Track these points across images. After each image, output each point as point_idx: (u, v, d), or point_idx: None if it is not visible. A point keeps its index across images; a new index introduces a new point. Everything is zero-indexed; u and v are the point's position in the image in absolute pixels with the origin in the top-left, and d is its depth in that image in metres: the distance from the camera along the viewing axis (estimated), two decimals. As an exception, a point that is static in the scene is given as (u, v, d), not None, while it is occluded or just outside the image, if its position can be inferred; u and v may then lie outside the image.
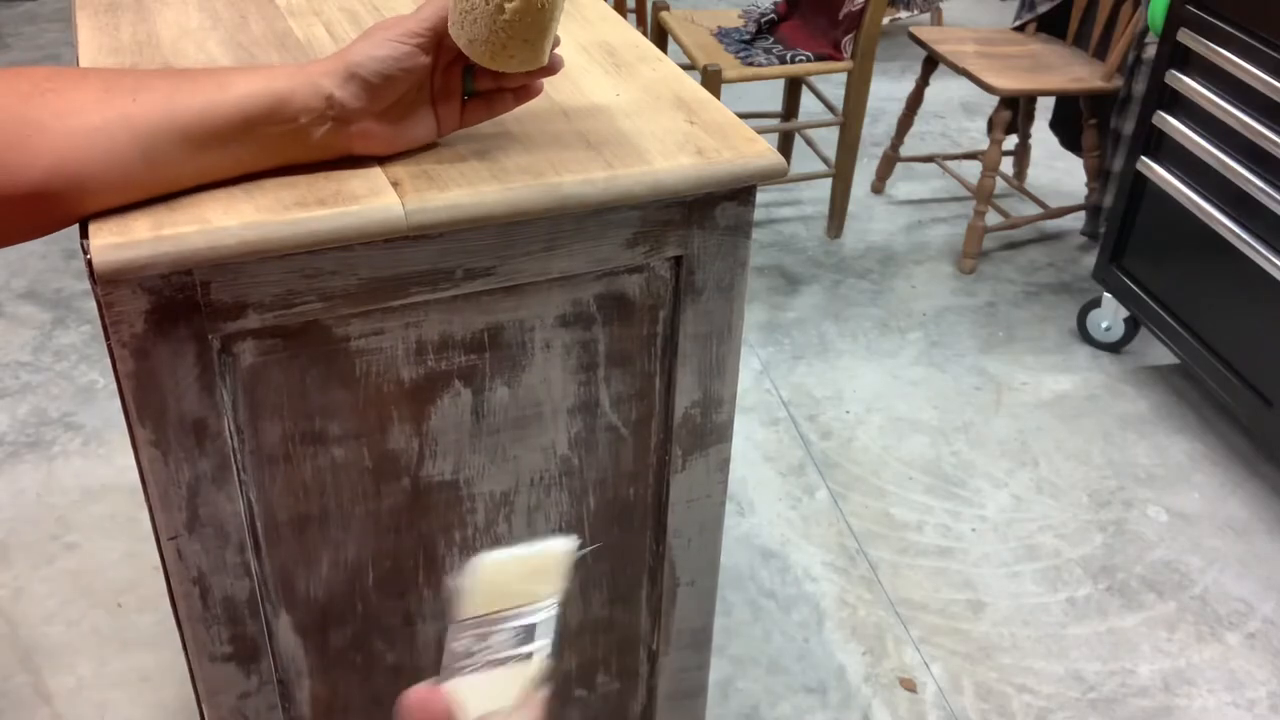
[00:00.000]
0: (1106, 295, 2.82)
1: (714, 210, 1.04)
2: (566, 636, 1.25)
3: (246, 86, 0.86)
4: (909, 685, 2.01)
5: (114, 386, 2.57)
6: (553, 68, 0.95)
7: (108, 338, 0.87)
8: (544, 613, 0.67)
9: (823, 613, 2.15)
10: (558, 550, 0.68)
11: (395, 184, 0.93)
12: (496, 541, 1.14)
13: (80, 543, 2.22)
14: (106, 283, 0.84)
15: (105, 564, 2.17)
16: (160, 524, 0.96)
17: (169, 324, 0.87)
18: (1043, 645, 2.10)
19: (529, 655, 0.66)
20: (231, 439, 0.95)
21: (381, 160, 0.95)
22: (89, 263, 0.82)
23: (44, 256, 3.09)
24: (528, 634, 0.67)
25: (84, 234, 0.84)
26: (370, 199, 0.91)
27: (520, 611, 0.67)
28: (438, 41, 0.91)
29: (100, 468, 2.40)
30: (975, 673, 2.04)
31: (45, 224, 0.85)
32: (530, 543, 0.67)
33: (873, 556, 2.27)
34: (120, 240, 0.83)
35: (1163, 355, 2.87)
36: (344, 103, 0.89)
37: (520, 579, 0.67)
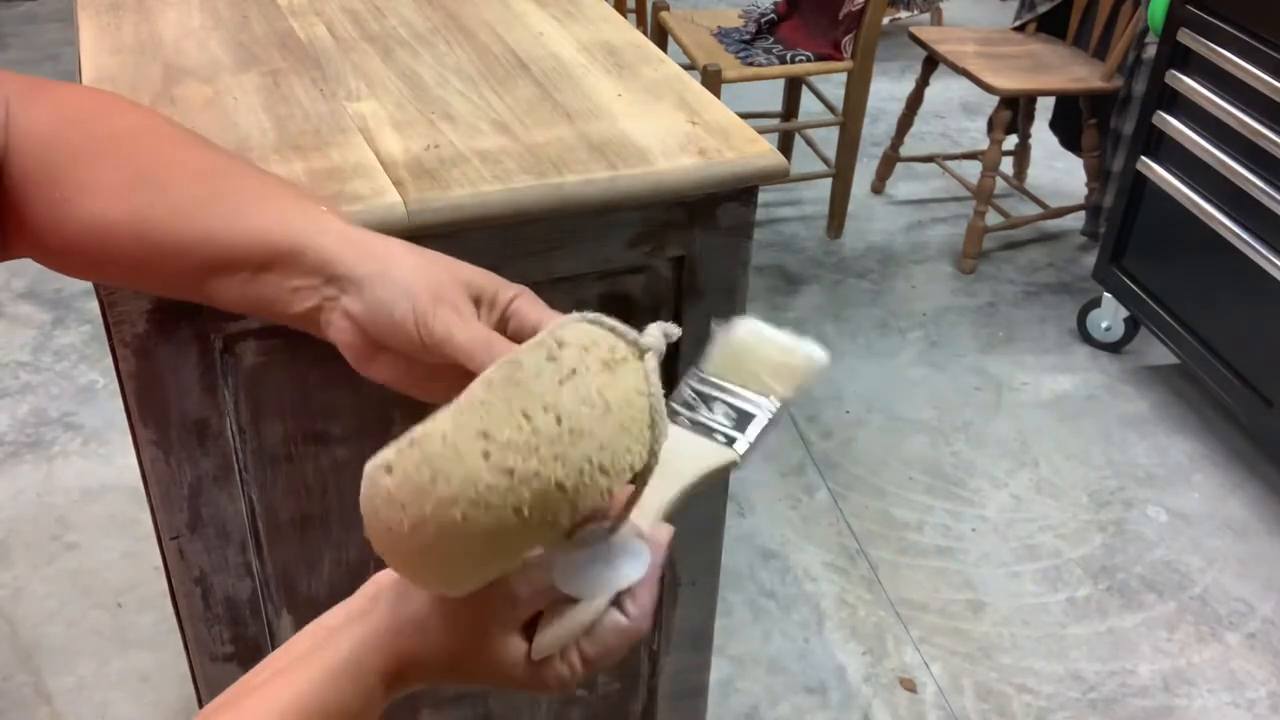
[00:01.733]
0: (1106, 295, 2.82)
1: (716, 211, 1.04)
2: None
3: (258, 224, 0.75)
4: (909, 685, 2.01)
5: (114, 386, 2.57)
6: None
7: (110, 338, 0.87)
8: (765, 409, 0.67)
9: (823, 613, 2.15)
10: (812, 356, 0.67)
11: (398, 184, 0.93)
12: None
13: (80, 543, 2.22)
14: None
15: (105, 564, 2.17)
16: (162, 524, 0.96)
17: (171, 324, 0.88)
18: (1043, 645, 2.10)
19: (731, 441, 0.66)
20: (233, 439, 0.95)
21: (384, 161, 0.95)
22: None
23: (44, 256, 3.09)
24: (741, 420, 0.67)
25: None
26: (373, 198, 0.91)
27: (747, 394, 0.68)
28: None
29: (100, 468, 2.40)
30: (975, 673, 2.04)
31: (57, 270, 0.80)
32: (793, 338, 0.67)
33: (873, 556, 2.27)
34: None
35: (1163, 355, 2.87)
36: (346, 293, 0.73)
37: (765, 366, 0.67)
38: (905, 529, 2.34)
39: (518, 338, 0.69)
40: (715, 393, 0.68)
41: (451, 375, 0.70)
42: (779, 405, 0.67)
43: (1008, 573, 2.25)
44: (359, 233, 0.74)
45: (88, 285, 3.12)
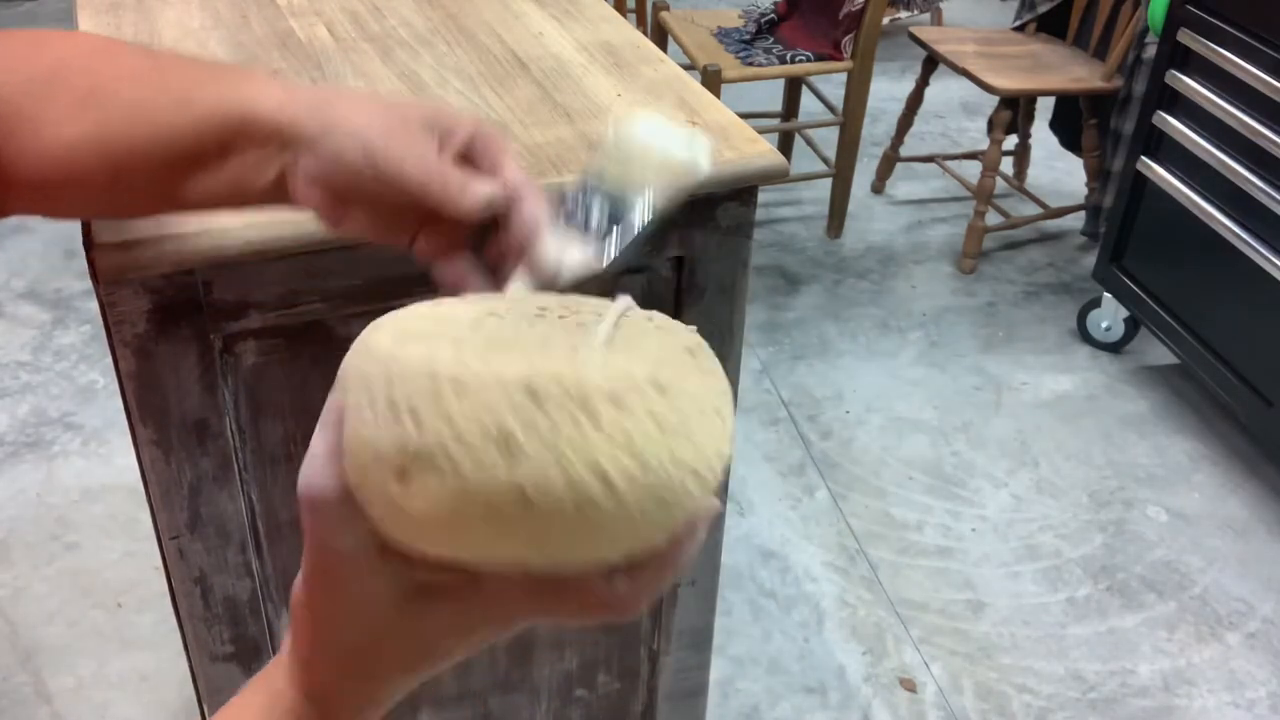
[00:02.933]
0: (1106, 295, 2.82)
1: (715, 211, 1.04)
2: (568, 636, 1.26)
3: (205, 106, 0.74)
4: (909, 685, 2.01)
5: (114, 386, 2.57)
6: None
7: (110, 337, 0.87)
8: (638, 212, 0.67)
9: (823, 613, 2.15)
10: (696, 159, 0.66)
11: (398, 183, 0.93)
12: None
13: (80, 543, 2.22)
14: (109, 283, 0.84)
15: (105, 564, 2.17)
16: (162, 523, 0.96)
17: (171, 324, 0.88)
18: (1043, 645, 2.09)
19: (602, 242, 0.68)
20: (233, 439, 0.95)
21: None
22: (91, 263, 0.83)
23: (44, 256, 3.09)
24: (614, 222, 0.68)
25: (87, 234, 0.84)
26: (373, 198, 0.91)
27: (626, 196, 0.68)
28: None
29: (100, 468, 2.40)
30: (975, 673, 2.04)
31: (40, 213, 0.81)
32: (687, 132, 0.66)
33: (873, 556, 2.27)
34: (123, 240, 0.83)
35: (1163, 355, 2.87)
36: (297, 153, 0.72)
37: (650, 167, 0.66)
38: (905, 529, 2.34)
39: (480, 171, 0.71)
40: (596, 196, 0.69)
41: (414, 217, 0.71)
42: (651, 211, 0.68)
43: (1008, 573, 2.25)
44: (307, 91, 0.73)
45: (87, 285, 3.13)
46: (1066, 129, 3.43)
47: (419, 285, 0.95)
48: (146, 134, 0.74)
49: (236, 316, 0.90)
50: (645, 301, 1.06)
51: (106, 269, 0.83)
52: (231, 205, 0.76)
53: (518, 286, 0.67)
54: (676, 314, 1.08)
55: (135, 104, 0.75)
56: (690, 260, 1.06)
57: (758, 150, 1.02)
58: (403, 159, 0.69)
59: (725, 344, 1.12)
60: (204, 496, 0.96)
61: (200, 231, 0.85)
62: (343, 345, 0.97)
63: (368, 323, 0.95)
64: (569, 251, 0.68)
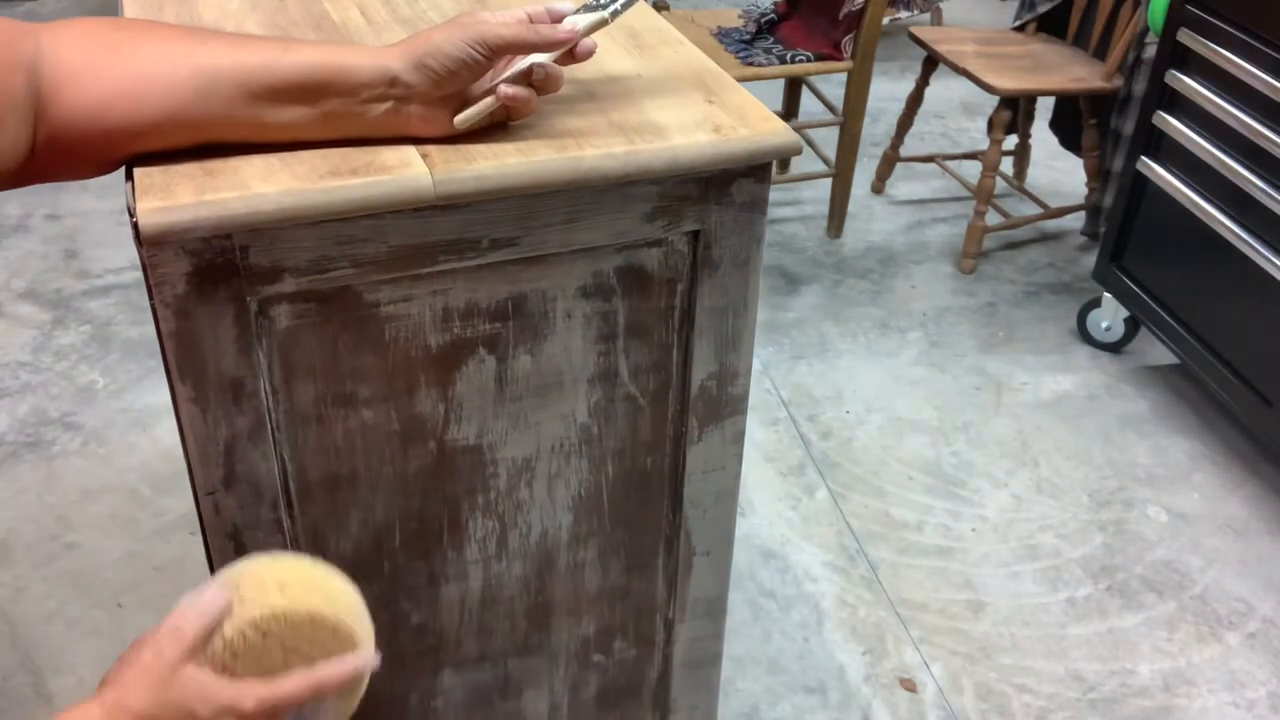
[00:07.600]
0: (1106, 295, 2.83)
1: (731, 186, 1.06)
2: (585, 602, 1.28)
3: (311, 54, 0.92)
4: (909, 685, 2.02)
5: (114, 386, 2.58)
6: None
7: (151, 298, 0.90)
8: None
9: (823, 613, 2.15)
10: None
11: (424, 156, 0.96)
12: (518, 507, 1.16)
13: (80, 543, 2.21)
14: (151, 244, 0.87)
15: (105, 564, 2.17)
16: (198, 479, 0.99)
17: (209, 286, 0.91)
18: (1043, 645, 2.10)
19: (607, 8, 1.01)
20: (267, 399, 0.98)
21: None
22: (135, 225, 0.86)
23: (44, 256, 3.09)
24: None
25: (131, 197, 0.88)
26: (401, 169, 0.93)
27: None
28: (503, 52, 0.96)
29: (100, 468, 2.40)
30: (975, 673, 2.04)
31: (99, 154, 0.90)
32: None
33: (873, 556, 2.28)
34: (165, 204, 0.87)
35: (1163, 355, 2.88)
36: (410, 84, 0.93)
37: None
38: (905, 529, 2.35)
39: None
40: None
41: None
42: None
43: (1008, 573, 2.26)
44: (377, 47, 0.96)
45: (87, 285, 3.13)
46: (1066, 129, 3.44)
47: (444, 253, 0.97)
48: (252, 62, 0.90)
49: (271, 280, 0.93)
50: (662, 274, 1.07)
51: (149, 232, 0.86)
52: (322, 135, 0.95)
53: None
54: (692, 287, 1.10)
55: (236, 42, 0.93)
56: (706, 234, 1.08)
57: (771, 128, 1.05)
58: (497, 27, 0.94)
59: (739, 317, 1.14)
60: (238, 454, 0.99)
61: (238, 197, 0.88)
62: (370, 310, 1.00)
63: (395, 289, 0.97)
64: (592, 18, 1.00)
